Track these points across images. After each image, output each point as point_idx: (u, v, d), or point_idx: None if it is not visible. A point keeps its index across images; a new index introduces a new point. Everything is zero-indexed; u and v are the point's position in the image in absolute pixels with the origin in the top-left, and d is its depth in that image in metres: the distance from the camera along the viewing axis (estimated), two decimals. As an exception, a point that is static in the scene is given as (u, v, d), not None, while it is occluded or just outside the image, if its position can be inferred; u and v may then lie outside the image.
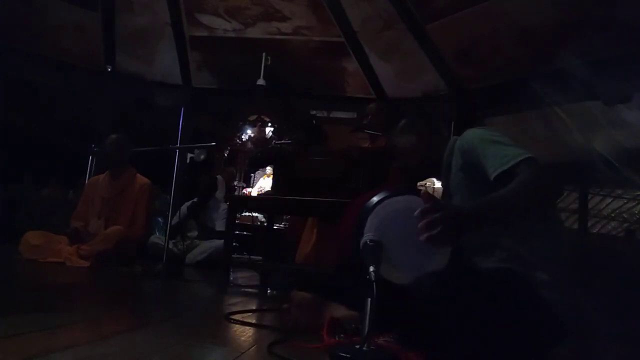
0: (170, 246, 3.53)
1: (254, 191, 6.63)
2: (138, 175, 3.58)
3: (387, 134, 1.72)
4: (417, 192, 1.29)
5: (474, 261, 1.34)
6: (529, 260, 1.25)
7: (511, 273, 1.23)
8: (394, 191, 1.25)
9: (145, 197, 3.50)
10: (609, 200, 5.30)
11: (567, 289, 1.24)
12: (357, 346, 1.01)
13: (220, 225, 4.24)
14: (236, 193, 6.31)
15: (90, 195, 3.58)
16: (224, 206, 4.39)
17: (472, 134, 1.40)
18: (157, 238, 4.20)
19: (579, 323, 1.23)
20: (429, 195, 1.17)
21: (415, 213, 1.12)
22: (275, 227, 4.32)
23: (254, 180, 6.90)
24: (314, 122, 3.49)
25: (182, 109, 4.90)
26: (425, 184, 7.39)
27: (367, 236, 1.12)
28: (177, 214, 4.17)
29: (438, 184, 7.36)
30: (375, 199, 1.23)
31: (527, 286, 1.21)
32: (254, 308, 2.05)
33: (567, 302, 1.22)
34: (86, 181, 3.91)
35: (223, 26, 5.04)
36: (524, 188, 1.20)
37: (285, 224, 4.95)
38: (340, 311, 1.39)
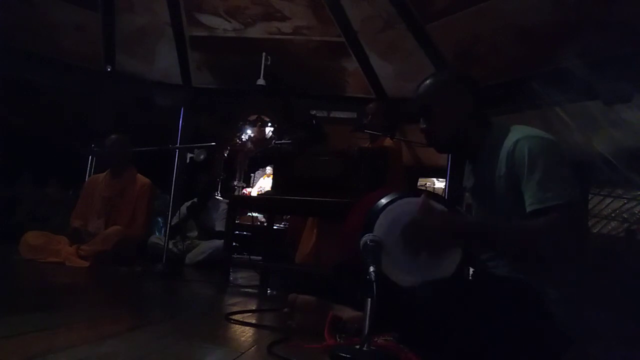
0: (170, 246, 3.53)
1: (254, 191, 6.63)
2: (139, 175, 3.58)
3: (417, 91, 1.41)
4: (428, 195, 1.28)
5: (485, 266, 1.34)
6: (541, 273, 1.22)
7: (521, 283, 1.22)
8: (405, 193, 1.25)
9: (145, 197, 3.49)
10: (609, 200, 5.31)
11: (577, 301, 1.22)
12: (357, 346, 1.01)
13: (220, 226, 4.24)
14: (236, 193, 6.31)
15: (89, 194, 3.57)
16: (223, 206, 4.38)
17: (527, 144, 1.22)
18: (157, 238, 4.20)
19: (582, 326, 1.22)
20: (424, 201, 1.17)
21: (406, 219, 1.14)
22: (275, 227, 4.32)
23: (254, 180, 6.90)
24: (314, 122, 3.50)
25: (182, 109, 4.90)
26: (425, 184, 7.39)
27: (368, 236, 1.12)
28: (177, 214, 4.17)
29: (438, 184, 7.36)
30: (384, 200, 1.22)
31: (535, 299, 1.19)
32: (254, 308, 2.05)
33: (574, 314, 1.20)
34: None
35: (223, 26, 5.03)
36: (534, 237, 1.16)
37: (285, 224, 4.94)
38: (345, 312, 1.38)
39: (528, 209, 1.19)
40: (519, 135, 1.26)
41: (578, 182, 1.18)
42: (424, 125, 1.40)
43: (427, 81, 1.41)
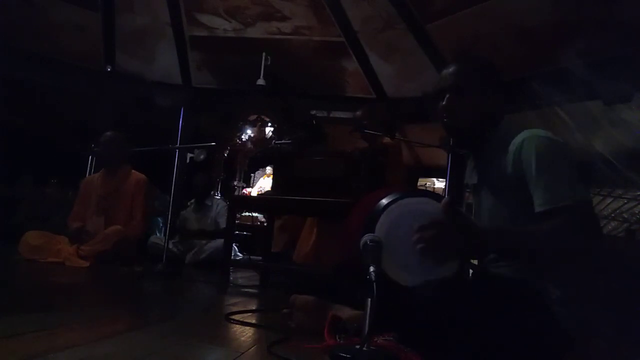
0: (170, 246, 3.53)
1: (254, 191, 6.63)
2: (133, 171, 3.56)
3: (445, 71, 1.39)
4: (430, 194, 1.27)
5: (486, 266, 1.33)
6: (543, 273, 1.21)
7: (523, 283, 1.21)
8: (406, 193, 1.24)
9: (141, 192, 3.48)
10: (609, 200, 5.31)
11: (578, 300, 1.21)
12: (357, 346, 1.01)
13: (219, 225, 4.24)
14: (236, 193, 6.31)
15: (86, 195, 3.56)
16: (222, 205, 4.39)
17: (534, 144, 1.21)
18: (157, 238, 4.20)
19: (583, 325, 1.22)
20: (446, 206, 1.13)
21: (414, 228, 1.12)
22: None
23: (254, 180, 6.90)
24: (314, 122, 3.50)
25: (182, 109, 4.90)
26: (425, 184, 7.38)
27: (368, 236, 1.12)
28: (177, 214, 4.17)
29: (438, 184, 7.35)
30: (385, 200, 1.22)
31: (537, 298, 1.18)
32: (254, 308, 2.04)
33: (576, 314, 1.20)
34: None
35: (223, 26, 5.03)
36: (549, 240, 1.13)
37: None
38: (345, 312, 1.38)
39: (537, 209, 1.17)
40: (526, 134, 1.25)
41: (586, 182, 1.17)
42: (447, 103, 1.35)
43: (463, 61, 1.39)
